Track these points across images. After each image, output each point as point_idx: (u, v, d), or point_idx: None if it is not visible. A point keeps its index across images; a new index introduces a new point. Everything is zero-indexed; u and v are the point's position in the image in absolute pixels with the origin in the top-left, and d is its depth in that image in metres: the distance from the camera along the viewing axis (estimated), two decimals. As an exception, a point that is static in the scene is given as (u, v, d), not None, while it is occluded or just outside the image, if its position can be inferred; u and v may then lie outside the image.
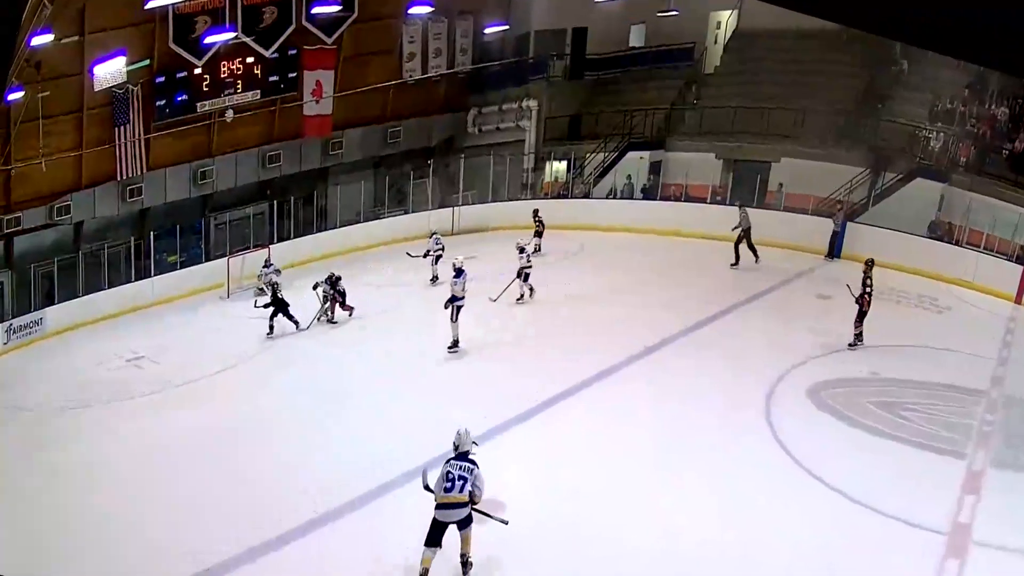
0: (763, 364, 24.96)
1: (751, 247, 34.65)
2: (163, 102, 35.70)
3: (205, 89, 36.74)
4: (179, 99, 36.11)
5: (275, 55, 38.19)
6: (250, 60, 37.75)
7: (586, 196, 42.97)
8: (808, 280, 32.61)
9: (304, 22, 38.17)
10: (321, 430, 22.42)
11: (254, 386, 26.23)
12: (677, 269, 34.19)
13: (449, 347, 27.18)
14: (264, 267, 33.65)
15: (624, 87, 46.12)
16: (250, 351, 29.23)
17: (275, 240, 38.47)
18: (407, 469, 18.11)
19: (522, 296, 31.52)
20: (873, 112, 39.03)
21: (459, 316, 27.05)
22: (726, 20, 45.46)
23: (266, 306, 30.63)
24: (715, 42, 45.84)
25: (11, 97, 29.88)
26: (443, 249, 34.97)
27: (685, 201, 39.89)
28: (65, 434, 23.54)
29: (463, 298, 27.02)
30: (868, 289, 26.15)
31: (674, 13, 42.52)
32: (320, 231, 41.08)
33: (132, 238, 36.33)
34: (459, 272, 27.17)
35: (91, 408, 25.43)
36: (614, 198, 42.49)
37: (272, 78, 38.73)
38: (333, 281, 30.94)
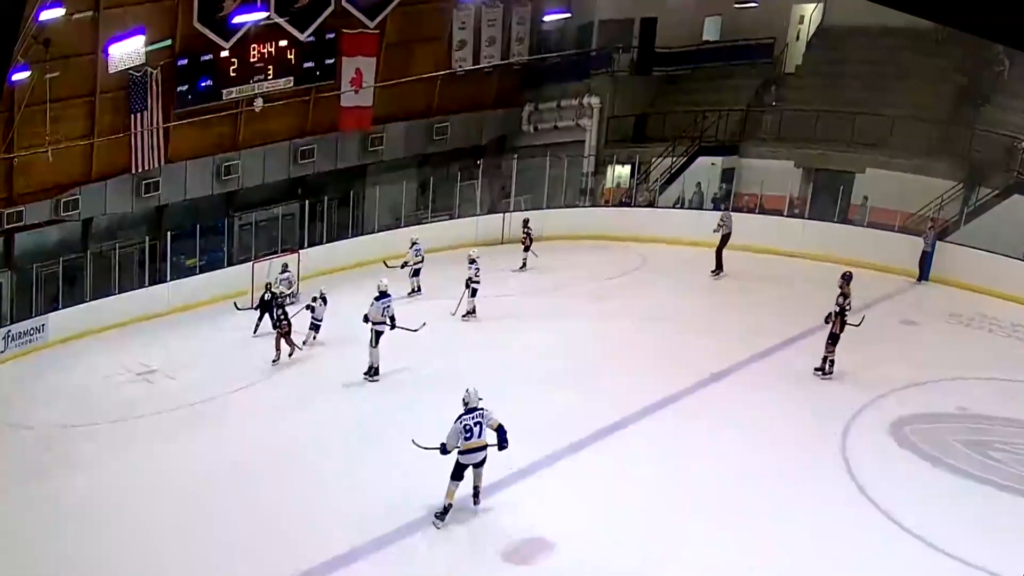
0: (840, 395, 24.41)
1: (718, 254, 35.24)
2: (185, 87, 35.53)
3: (232, 74, 36.58)
4: (203, 85, 35.94)
5: (311, 39, 38.01)
6: (283, 43, 37.54)
7: (651, 205, 42.38)
8: (893, 305, 31.92)
9: (344, 3, 37.97)
10: (349, 460, 22.05)
11: (277, 409, 25.77)
12: (748, 288, 33.69)
13: (366, 373, 26.94)
14: (281, 272, 33.49)
15: (696, 85, 45.43)
16: (274, 368, 28.84)
17: (305, 244, 38.20)
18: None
19: (469, 312, 31.50)
20: (969, 120, 37.94)
21: (379, 342, 26.67)
22: (810, 14, 44.55)
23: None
24: (797, 38, 44.87)
25: (16, 77, 29.48)
26: (423, 260, 34.91)
27: (760, 213, 38.97)
28: (66, 459, 23.13)
29: (383, 323, 26.46)
30: (837, 308, 25.60)
31: (753, 5, 42.20)
32: (356, 236, 40.59)
33: (147, 238, 35.99)
34: (382, 295, 26.73)
35: (96, 427, 25.08)
36: (681, 208, 41.89)
37: (307, 64, 38.58)
38: (279, 303, 29.99)
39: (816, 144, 39.89)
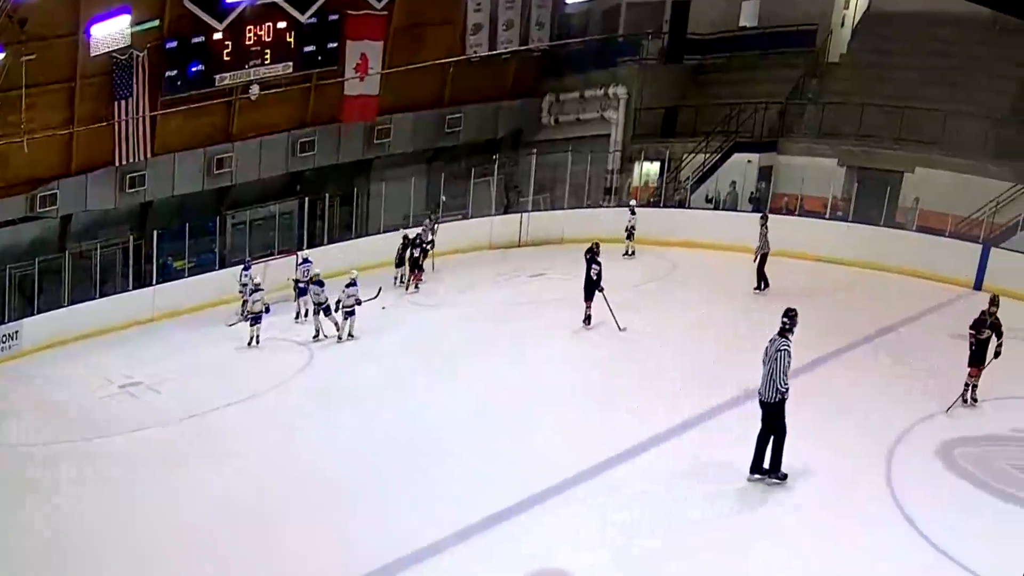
0: (883, 416, 23.25)
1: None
2: (174, 73, 35.40)
3: (226, 59, 36.43)
4: (194, 70, 35.81)
5: (312, 20, 37.87)
6: (281, 25, 37.41)
7: (681, 205, 41.81)
8: (942, 316, 30.96)
9: (349, -18, 37.63)
10: (356, 496, 20.45)
11: (268, 427, 24.91)
12: (785, 297, 32.54)
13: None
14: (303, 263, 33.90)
15: (731, 75, 45.17)
16: (272, 380, 28.20)
17: (304, 245, 38.01)
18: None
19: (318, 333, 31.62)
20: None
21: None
22: (856, -2, 44.14)
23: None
24: (842, 24, 44.45)
25: (-12, 59, 29.16)
26: (323, 288, 32.00)
27: (799, 215, 38.55)
28: (37, 485, 22.15)
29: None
30: None
31: (794, -13, 41.62)
32: (359, 237, 40.97)
33: (131, 237, 36.23)
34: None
35: (73, 445, 24.39)
36: (715, 208, 41.46)
37: (308, 49, 38.44)
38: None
39: (861, 141, 39.43)
